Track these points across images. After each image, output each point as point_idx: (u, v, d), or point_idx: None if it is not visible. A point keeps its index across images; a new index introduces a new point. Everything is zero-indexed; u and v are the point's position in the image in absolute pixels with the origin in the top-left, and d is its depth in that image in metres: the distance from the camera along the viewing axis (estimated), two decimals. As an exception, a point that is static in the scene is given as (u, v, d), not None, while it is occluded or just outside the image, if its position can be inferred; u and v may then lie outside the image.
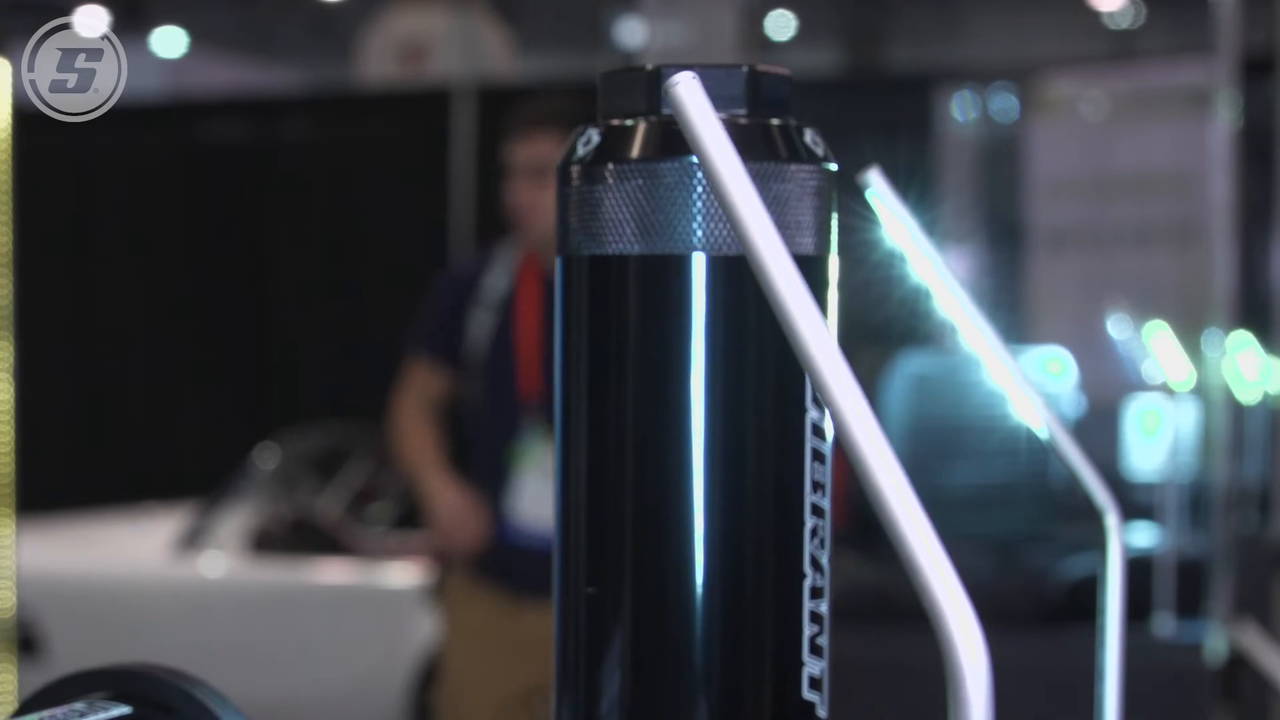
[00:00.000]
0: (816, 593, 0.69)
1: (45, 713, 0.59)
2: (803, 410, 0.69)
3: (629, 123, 0.70)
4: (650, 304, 0.69)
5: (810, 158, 0.70)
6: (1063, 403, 4.27)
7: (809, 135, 0.71)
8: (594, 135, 0.71)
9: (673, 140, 0.68)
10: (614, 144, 0.70)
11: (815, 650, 0.69)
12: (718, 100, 0.67)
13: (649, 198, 0.68)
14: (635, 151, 0.69)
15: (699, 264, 0.68)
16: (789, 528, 0.68)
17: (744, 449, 0.68)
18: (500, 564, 3.61)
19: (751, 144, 0.69)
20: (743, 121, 0.69)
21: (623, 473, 0.69)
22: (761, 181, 0.67)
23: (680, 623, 0.68)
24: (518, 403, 3.61)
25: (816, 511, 0.69)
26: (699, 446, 0.68)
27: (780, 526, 0.68)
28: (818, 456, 0.69)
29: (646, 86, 0.70)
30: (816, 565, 0.69)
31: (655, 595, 0.68)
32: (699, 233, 0.68)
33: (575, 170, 0.71)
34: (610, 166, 0.69)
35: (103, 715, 0.59)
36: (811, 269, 0.69)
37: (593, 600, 0.70)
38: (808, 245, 0.70)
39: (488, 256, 3.78)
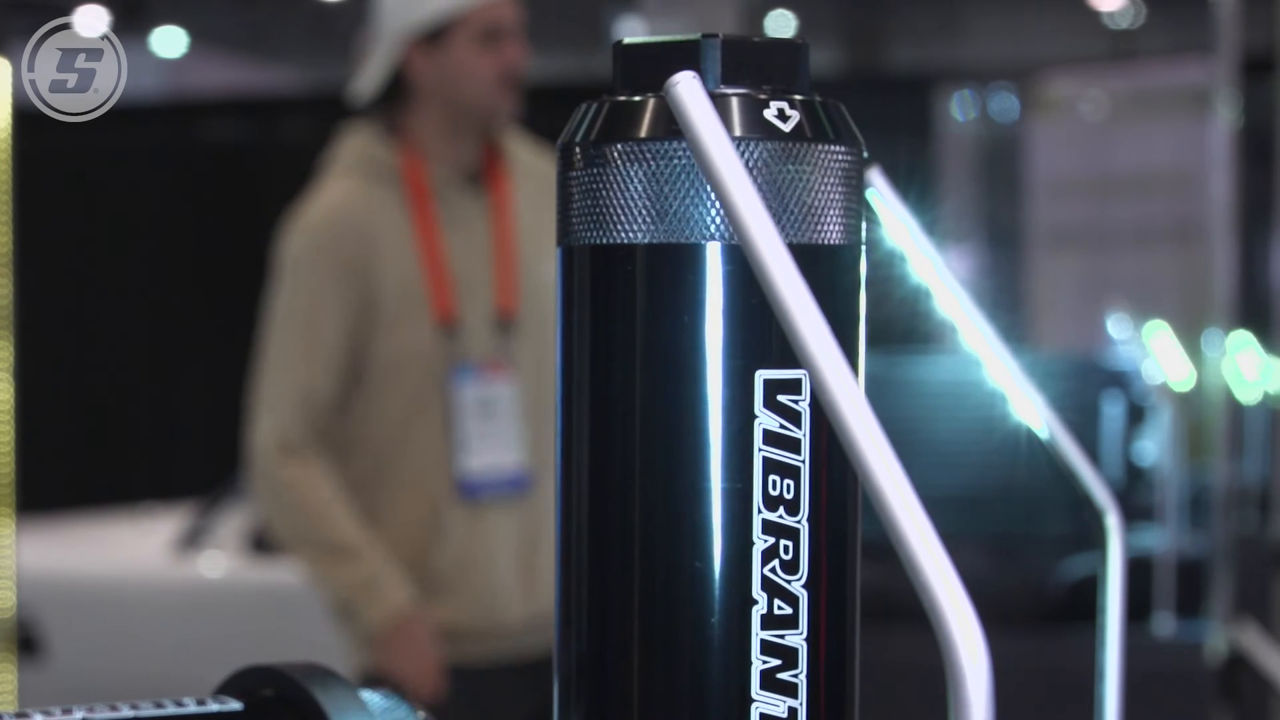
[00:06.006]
0: (777, 621, 0.62)
1: (131, 704, 0.59)
2: (750, 416, 0.62)
3: (637, 98, 0.64)
4: (660, 298, 0.62)
5: (837, 137, 0.64)
6: (1143, 394, 4.26)
7: (837, 113, 0.65)
8: (600, 112, 0.65)
9: None
10: (621, 122, 0.64)
11: (776, 686, 0.62)
12: (733, 72, 0.63)
13: (659, 181, 0.62)
14: (644, 130, 0.63)
15: (714, 254, 0.62)
16: (732, 548, 0.62)
17: (694, 454, 0.62)
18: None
19: (770, 121, 0.63)
20: (761, 97, 0.63)
21: (629, 480, 0.63)
22: (781, 163, 0.62)
23: (641, 634, 0.63)
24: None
25: (774, 529, 0.62)
26: (717, 450, 0.62)
27: (718, 546, 0.62)
28: (776, 468, 0.62)
29: (660, 59, 0.64)
30: (776, 590, 0.62)
31: (640, 613, 0.63)
32: (714, 220, 0.62)
33: (578, 151, 0.64)
34: (617, 147, 0.63)
35: (193, 710, 0.60)
36: (836, 259, 0.64)
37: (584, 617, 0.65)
38: (832, 234, 0.64)
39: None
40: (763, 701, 0.62)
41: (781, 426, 0.62)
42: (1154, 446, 4.11)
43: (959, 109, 7.93)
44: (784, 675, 0.62)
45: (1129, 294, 5.61)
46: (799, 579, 0.62)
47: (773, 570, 0.62)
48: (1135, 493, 4.07)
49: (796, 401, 0.62)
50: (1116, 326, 4.86)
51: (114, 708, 0.58)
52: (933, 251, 0.83)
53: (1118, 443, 4.29)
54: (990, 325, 0.85)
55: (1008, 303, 7.17)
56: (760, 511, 0.62)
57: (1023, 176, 7.43)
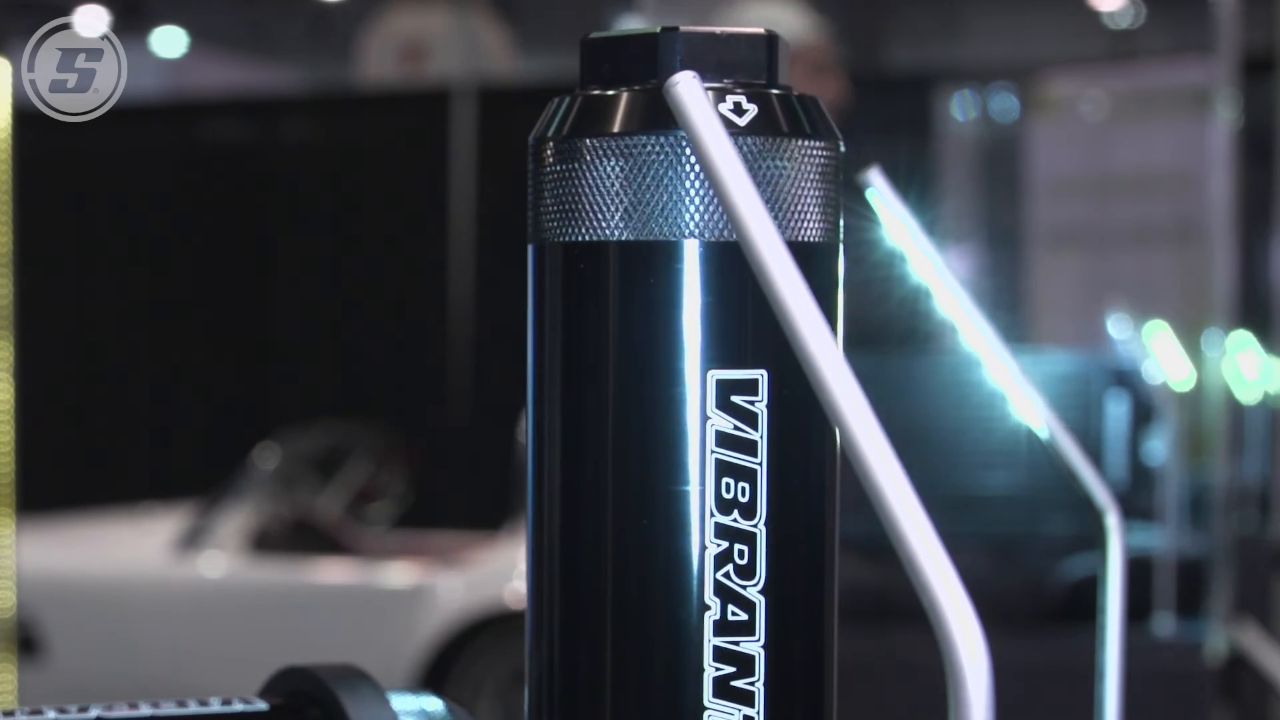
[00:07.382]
0: (731, 628, 0.60)
1: (150, 702, 0.59)
2: (703, 417, 0.60)
3: (611, 92, 0.62)
4: (634, 297, 0.61)
5: (815, 132, 0.63)
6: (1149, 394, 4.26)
7: (813, 107, 0.63)
8: (571, 106, 0.63)
9: (661, 112, 0.60)
10: (594, 116, 0.62)
11: (730, 694, 0.60)
12: (695, 66, 0.61)
13: (633, 177, 0.60)
14: (618, 124, 0.61)
15: (691, 251, 0.60)
16: (680, 551, 0.60)
17: (646, 459, 0.61)
18: None
19: (724, 115, 0.61)
20: (739, 91, 0.62)
21: (601, 485, 0.62)
22: (760, 159, 0.61)
23: (611, 640, 0.62)
24: None
25: (727, 534, 0.60)
26: (695, 454, 0.60)
27: (668, 550, 0.61)
28: (729, 470, 0.60)
29: (633, 51, 0.62)
30: (731, 596, 0.60)
31: (609, 615, 0.62)
32: (692, 216, 0.60)
33: (549, 146, 0.63)
34: (589, 142, 0.61)
35: (216, 709, 0.60)
36: (811, 256, 0.62)
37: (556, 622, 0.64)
38: (806, 231, 0.62)
39: None
40: (716, 709, 0.60)
41: (736, 428, 0.61)
42: (1162, 446, 4.11)
43: (959, 109, 7.93)
44: (739, 683, 0.61)
45: (1129, 294, 5.60)
46: (755, 584, 0.61)
47: (726, 575, 0.60)
48: (1138, 493, 4.07)
49: (753, 403, 0.61)
50: (1116, 326, 4.86)
51: (133, 706, 0.58)
52: (933, 251, 0.83)
53: (1122, 443, 4.29)
54: (990, 325, 0.85)
55: (1008, 303, 7.17)
56: (712, 515, 0.60)
57: (1023, 176, 7.43)
